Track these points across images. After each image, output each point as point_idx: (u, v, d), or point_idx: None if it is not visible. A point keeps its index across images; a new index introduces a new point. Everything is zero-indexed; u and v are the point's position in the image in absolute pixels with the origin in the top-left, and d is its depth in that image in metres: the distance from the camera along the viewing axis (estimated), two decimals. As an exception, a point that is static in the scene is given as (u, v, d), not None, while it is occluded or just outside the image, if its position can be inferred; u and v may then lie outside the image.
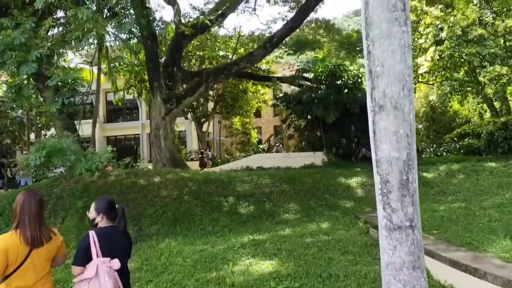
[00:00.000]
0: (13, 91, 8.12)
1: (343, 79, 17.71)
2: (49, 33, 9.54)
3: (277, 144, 29.89)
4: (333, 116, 15.93)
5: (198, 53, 28.02)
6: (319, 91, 17.21)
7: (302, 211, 11.01)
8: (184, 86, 19.82)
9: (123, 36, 14.84)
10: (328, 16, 25.89)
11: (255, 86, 32.50)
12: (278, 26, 21.97)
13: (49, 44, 8.53)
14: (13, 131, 36.90)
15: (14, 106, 35.26)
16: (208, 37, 28.76)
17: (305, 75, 20.76)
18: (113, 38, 26.18)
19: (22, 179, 17.85)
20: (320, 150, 17.28)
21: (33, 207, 3.23)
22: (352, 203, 11.41)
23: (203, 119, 35.59)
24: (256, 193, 12.09)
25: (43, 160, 7.47)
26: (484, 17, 23.71)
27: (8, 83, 10.36)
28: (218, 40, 29.26)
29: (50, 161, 7.74)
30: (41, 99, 13.27)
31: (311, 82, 19.24)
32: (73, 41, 8.82)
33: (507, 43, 23.91)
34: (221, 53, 28.94)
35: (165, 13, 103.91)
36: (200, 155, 28.00)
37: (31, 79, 9.24)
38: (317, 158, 16.76)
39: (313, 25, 20.87)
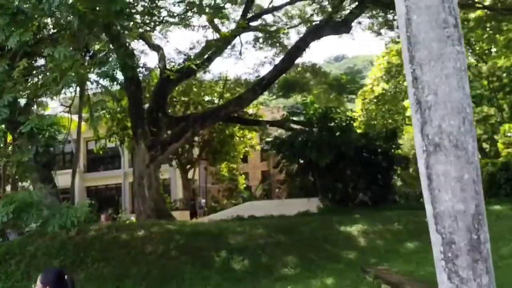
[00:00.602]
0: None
1: (336, 121, 17.25)
2: (26, 77, 8.79)
3: (278, 190, 29.04)
4: (327, 159, 15.30)
5: (183, 99, 27.59)
6: (312, 134, 16.66)
7: (302, 265, 10.06)
8: (169, 132, 19.15)
9: (105, 82, 14.27)
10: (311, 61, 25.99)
11: (242, 131, 31.99)
12: (265, 69, 21.62)
13: (22, 87, 7.76)
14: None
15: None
16: (194, 82, 28.44)
17: (295, 118, 20.34)
18: (95, 84, 25.65)
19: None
20: (314, 195, 16.50)
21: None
22: (356, 254, 10.51)
23: (189, 166, 34.66)
24: (250, 245, 11.12)
25: (10, 216, 6.55)
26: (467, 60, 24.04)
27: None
28: (204, 85, 28.95)
29: (19, 217, 6.81)
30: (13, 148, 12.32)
31: (302, 125, 18.75)
32: (50, 85, 8.06)
33: (491, 85, 24.12)
34: (207, 98, 28.56)
35: (149, 59, 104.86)
36: (191, 203, 27.08)
37: (2, 125, 8.41)
38: (312, 204, 15.93)
39: (299, 68, 20.66)
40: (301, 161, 17.00)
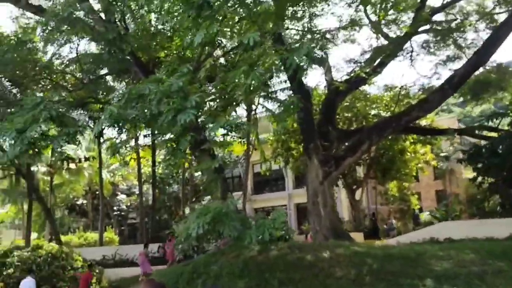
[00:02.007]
0: (168, 149, 7.07)
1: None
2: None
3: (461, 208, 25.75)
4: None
5: (346, 115, 26.27)
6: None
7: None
8: (340, 147, 17.95)
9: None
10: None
11: (413, 145, 29.15)
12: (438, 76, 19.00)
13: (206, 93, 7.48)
14: (169, 206, 38.82)
15: (171, 182, 36.99)
16: (359, 96, 26.94)
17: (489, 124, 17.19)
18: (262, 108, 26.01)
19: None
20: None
21: None
22: None
23: (355, 186, 32.88)
24: (461, 273, 9.01)
25: (206, 228, 6.03)
26: None
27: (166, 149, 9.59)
28: (369, 99, 27.25)
29: (214, 229, 6.28)
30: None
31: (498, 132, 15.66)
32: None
33: None
34: (373, 112, 26.76)
35: (311, 74, 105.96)
36: (372, 219, 25.64)
37: (186, 136, 8.22)
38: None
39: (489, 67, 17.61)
40: (504, 173, 13.97)
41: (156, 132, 8.31)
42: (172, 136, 7.19)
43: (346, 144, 16.83)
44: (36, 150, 9.21)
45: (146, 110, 6.95)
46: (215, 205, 6.40)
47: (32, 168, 29.40)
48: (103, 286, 15.23)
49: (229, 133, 7.58)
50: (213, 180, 11.88)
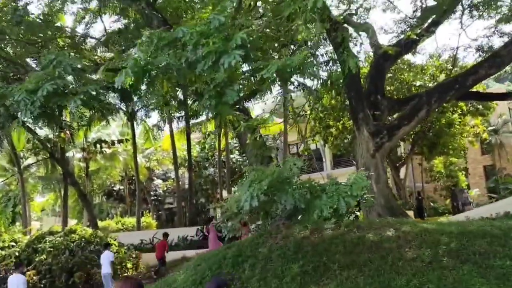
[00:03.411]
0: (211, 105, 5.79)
1: None
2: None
3: None
4: None
5: (388, 88, 24.45)
6: None
7: None
8: (390, 118, 16.38)
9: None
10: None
11: (462, 118, 27.06)
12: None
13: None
14: (206, 189, 38.07)
15: (207, 165, 36.17)
16: (402, 67, 25.19)
17: None
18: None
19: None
20: None
21: None
22: None
23: (399, 163, 31.09)
24: None
25: (262, 199, 4.79)
26: None
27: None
28: (414, 68, 25.38)
29: (272, 199, 5.04)
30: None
31: None
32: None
33: None
34: (418, 83, 24.88)
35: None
36: (418, 198, 24.18)
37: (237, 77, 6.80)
38: None
39: None
40: None
41: (194, 88, 7.02)
42: (214, 89, 5.94)
43: (397, 114, 15.22)
44: (50, 112, 8.13)
45: (180, 58, 5.71)
46: (273, 169, 5.13)
47: (66, 154, 29.13)
48: (140, 271, 14.40)
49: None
50: (256, 156, 10.69)
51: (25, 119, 7.20)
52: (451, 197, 29.70)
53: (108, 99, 24.69)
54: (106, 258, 12.34)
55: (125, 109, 27.09)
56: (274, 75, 5.64)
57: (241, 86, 5.65)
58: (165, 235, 16.63)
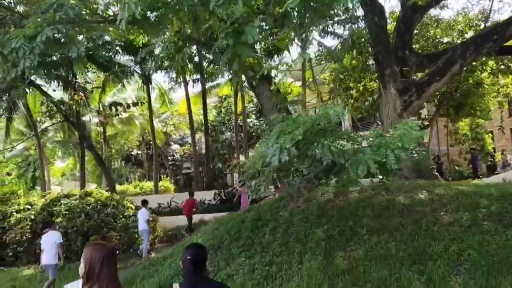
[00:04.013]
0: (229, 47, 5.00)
1: None
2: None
3: None
4: None
5: (414, 46, 23.10)
6: None
7: None
8: (420, 75, 15.35)
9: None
10: None
11: (492, 77, 25.61)
12: None
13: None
14: (223, 154, 37.67)
15: (224, 129, 35.67)
16: (429, 22, 23.73)
17: None
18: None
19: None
20: None
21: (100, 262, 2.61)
22: None
23: (424, 125, 29.93)
24: None
25: (293, 152, 4.10)
26: None
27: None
28: (442, 25, 23.89)
29: (305, 154, 4.35)
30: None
31: None
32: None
33: None
34: (445, 39, 23.45)
35: None
36: (437, 162, 23.41)
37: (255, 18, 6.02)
38: None
39: None
40: None
41: (207, 29, 6.24)
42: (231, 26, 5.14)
43: (427, 71, 14.18)
44: (51, 60, 7.49)
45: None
46: (306, 118, 4.40)
47: (83, 119, 28.86)
48: (157, 234, 14.10)
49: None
50: (279, 109, 10.00)
51: (25, 69, 6.53)
52: (471, 160, 28.68)
53: (118, 59, 24.14)
54: (141, 215, 12.50)
55: (140, 72, 26.50)
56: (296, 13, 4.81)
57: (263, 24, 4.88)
58: (191, 193, 17.16)
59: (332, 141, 4.21)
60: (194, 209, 16.14)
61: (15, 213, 12.70)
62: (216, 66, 29.34)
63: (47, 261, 9.48)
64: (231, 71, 7.44)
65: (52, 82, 20.99)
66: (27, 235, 12.01)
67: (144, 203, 13.13)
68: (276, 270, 7.06)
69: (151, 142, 32.84)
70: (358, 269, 6.51)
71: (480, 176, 24.42)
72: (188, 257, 3.05)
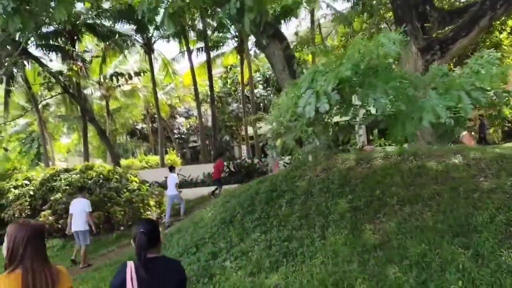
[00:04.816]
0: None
1: None
2: None
3: None
4: None
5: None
6: None
7: None
8: (442, 31, 14.20)
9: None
10: None
11: (510, 38, 24.33)
12: None
13: None
14: (230, 126, 36.78)
15: (230, 100, 34.70)
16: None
17: None
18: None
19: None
20: None
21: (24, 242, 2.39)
22: None
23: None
24: None
25: (334, 98, 3.18)
26: None
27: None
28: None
29: (349, 102, 3.41)
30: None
31: None
32: None
33: None
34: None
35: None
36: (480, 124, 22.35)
37: None
38: None
39: None
40: None
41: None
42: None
43: (451, 27, 13.05)
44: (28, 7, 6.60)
45: None
46: (351, 51, 3.43)
47: (85, 92, 28.00)
48: (164, 209, 13.41)
49: None
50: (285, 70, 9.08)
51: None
52: (479, 127, 27.65)
53: (118, 28, 23.08)
54: (171, 180, 12.88)
55: (141, 42, 25.43)
56: None
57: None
58: (220, 155, 17.26)
59: (386, 83, 3.31)
60: (222, 172, 16.04)
61: (13, 189, 12.00)
62: (221, 34, 28.27)
63: (78, 227, 9.48)
64: (240, 24, 6.51)
65: (46, 50, 20.16)
66: (26, 211, 11.33)
67: (172, 168, 13.77)
68: (296, 246, 6.28)
69: (155, 116, 32.04)
70: (391, 243, 5.71)
71: (486, 142, 23.34)
72: (142, 230, 2.76)
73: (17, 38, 15.35)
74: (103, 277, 8.30)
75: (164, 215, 13.31)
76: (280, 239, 6.60)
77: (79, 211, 9.53)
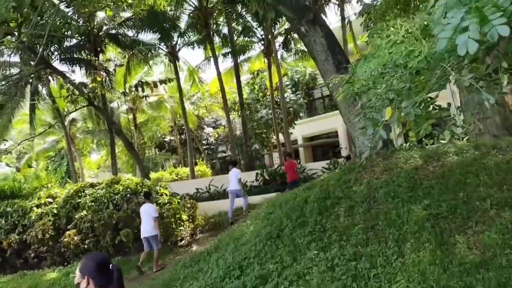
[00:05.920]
0: None
1: None
2: None
3: None
4: None
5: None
6: None
7: None
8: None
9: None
10: None
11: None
12: None
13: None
14: (259, 133, 35.56)
15: (259, 106, 33.53)
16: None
17: None
18: None
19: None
20: None
21: None
22: None
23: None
24: None
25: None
26: None
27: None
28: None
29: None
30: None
31: None
32: None
33: None
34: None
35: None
36: None
37: None
38: None
39: None
40: None
41: None
42: None
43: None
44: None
45: None
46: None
47: (111, 105, 27.47)
48: (198, 223, 12.29)
49: None
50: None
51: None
52: None
53: (142, 38, 22.43)
54: (234, 175, 12.66)
55: (166, 50, 24.72)
56: None
57: None
58: (289, 155, 16.08)
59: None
60: (295, 170, 14.56)
61: (35, 208, 11.15)
62: (246, 38, 27.32)
63: (147, 233, 9.48)
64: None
65: (70, 63, 19.64)
66: (49, 232, 10.43)
67: (235, 163, 13.79)
68: (367, 267, 5.00)
69: (183, 127, 31.27)
70: (496, 260, 4.37)
71: None
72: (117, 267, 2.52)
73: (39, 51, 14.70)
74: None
75: (198, 230, 12.21)
76: (344, 258, 5.33)
77: (147, 216, 9.54)
